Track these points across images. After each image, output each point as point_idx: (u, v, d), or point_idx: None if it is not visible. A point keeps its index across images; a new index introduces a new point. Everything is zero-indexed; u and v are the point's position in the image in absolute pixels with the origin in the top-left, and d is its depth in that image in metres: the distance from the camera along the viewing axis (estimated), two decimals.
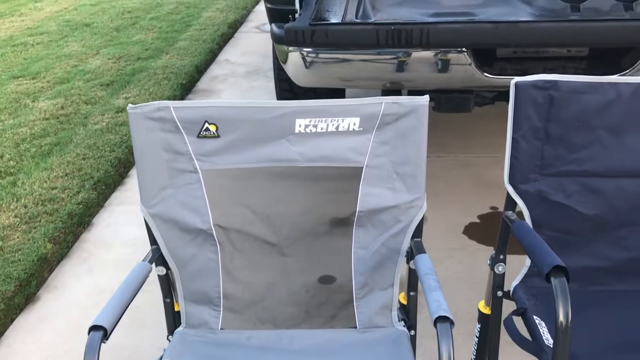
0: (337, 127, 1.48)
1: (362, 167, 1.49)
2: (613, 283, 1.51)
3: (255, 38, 5.57)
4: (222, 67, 4.85)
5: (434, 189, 2.92)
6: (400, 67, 2.15)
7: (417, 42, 1.86)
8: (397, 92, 2.68)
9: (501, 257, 1.52)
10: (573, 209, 1.46)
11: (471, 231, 2.61)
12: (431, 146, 3.36)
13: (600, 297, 1.49)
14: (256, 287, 1.59)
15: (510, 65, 2.28)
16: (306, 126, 1.47)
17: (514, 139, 1.41)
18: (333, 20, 1.94)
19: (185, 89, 4.28)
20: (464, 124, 3.59)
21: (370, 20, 1.92)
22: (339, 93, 3.15)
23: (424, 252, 1.46)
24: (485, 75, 2.15)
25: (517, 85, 1.38)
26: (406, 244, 1.52)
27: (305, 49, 2.18)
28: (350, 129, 1.48)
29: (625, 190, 1.44)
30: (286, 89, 3.11)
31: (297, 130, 1.47)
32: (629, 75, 2.04)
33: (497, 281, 1.55)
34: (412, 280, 1.52)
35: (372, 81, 2.38)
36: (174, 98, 4.06)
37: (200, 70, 4.68)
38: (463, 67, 2.11)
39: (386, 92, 2.61)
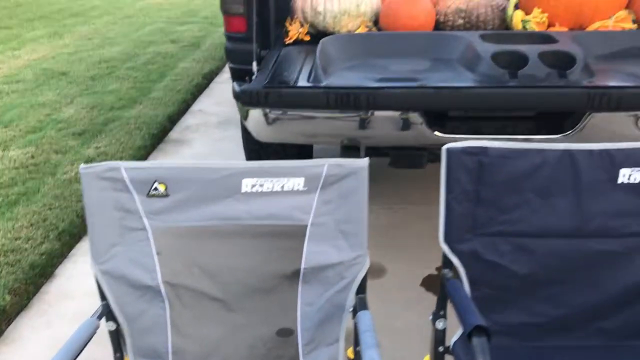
0: (282, 187, 1.54)
1: (307, 226, 1.55)
2: (548, 339, 1.57)
3: (230, 88, 5.68)
4: (195, 117, 4.94)
5: (394, 240, 2.99)
6: (357, 125, 2.24)
7: (364, 106, 1.96)
8: (356, 147, 2.78)
9: (441, 312, 1.58)
10: (507, 268, 1.53)
11: (429, 283, 2.67)
12: (394, 197, 3.45)
13: (537, 353, 1.55)
14: (205, 342, 1.63)
15: (462, 124, 2.38)
16: (252, 186, 1.54)
17: (447, 201, 1.49)
18: (288, 83, 2.03)
19: (156, 139, 4.34)
20: (427, 176, 3.69)
21: (321, 84, 2.01)
22: (306, 147, 3.24)
23: (366, 308, 1.52)
24: (436, 134, 2.24)
25: (448, 150, 1.46)
26: (351, 299, 1.57)
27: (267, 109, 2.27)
28: (295, 188, 1.55)
29: (554, 250, 1.52)
30: (253, 140, 3.19)
31: (243, 190, 1.54)
32: (570, 136, 2.14)
33: (438, 337, 1.60)
34: (358, 336, 1.57)
35: (330, 138, 2.47)
36: (145, 148, 4.11)
37: (173, 120, 4.76)
38: (415, 127, 2.20)
39: (345, 147, 2.71)
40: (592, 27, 2.43)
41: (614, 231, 1.50)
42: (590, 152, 1.49)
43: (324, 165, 1.54)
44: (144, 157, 4.05)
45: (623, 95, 1.91)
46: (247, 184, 1.53)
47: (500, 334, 1.57)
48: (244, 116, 2.42)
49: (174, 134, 4.56)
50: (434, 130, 2.24)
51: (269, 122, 2.32)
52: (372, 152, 2.65)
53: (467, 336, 1.20)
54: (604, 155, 1.48)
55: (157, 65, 6.17)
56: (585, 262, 1.52)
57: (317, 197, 1.55)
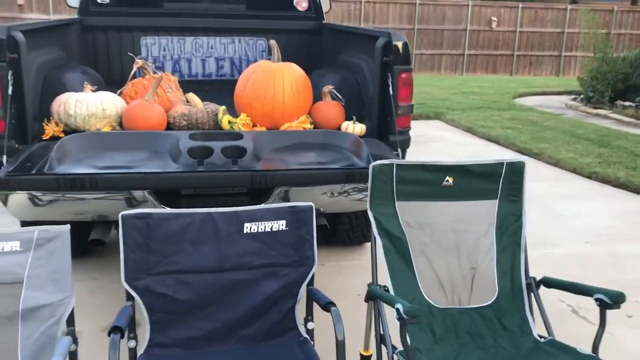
0: (2, 249, 2.09)
1: (24, 277, 2.10)
2: (208, 347, 2.22)
3: None
4: None
5: None
6: (95, 205, 2.83)
7: (88, 188, 2.58)
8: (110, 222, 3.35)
9: (131, 335, 2.18)
10: (173, 297, 2.18)
11: None
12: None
13: (200, 358, 2.19)
14: None
15: (192, 200, 3.06)
16: None
17: (124, 251, 2.13)
18: (28, 171, 2.60)
19: None
20: None
21: (54, 172, 2.61)
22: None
23: (72, 336, 2.08)
24: (164, 208, 2.90)
25: (122, 216, 2.12)
26: (61, 331, 2.12)
27: (23, 191, 2.78)
28: (13, 249, 2.10)
29: (204, 282, 2.21)
30: None
31: None
32: (269, 203, 2.90)
33: (130, 355, 2.19)
34: None
35: (80, 215, 3.02)
36: None
37: None
38: (146, 203, 2.84)
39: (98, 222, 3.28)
40: (282, 127, 3.30)
41: (244, 265, 2.23)
42: (224, 213, 2.23)
43: (34, 231, 2.11)
44: None
45: (275, 175, 2.73)
46: None
47: (174, 346, 2.20)
48: (4, 201, 2.90)
49: None
50: (162, 206, 2.89)
51: (30, 204, 2.82)
52: None
53: (107, 334, 1.82)
54: (233, 215, 2.23)
55: None
56: (227, 289, 2.23)
57: (32, 255, 2.11)
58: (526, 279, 2.44)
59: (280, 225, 2.24)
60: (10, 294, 2.09)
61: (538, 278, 2.42)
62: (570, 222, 5.17)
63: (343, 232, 4.15)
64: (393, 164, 2.38)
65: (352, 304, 3.45)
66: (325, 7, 5.49)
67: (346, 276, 3.99)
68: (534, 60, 20.69)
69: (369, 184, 2.36)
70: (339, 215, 4.03)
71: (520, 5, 20.21)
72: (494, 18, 19.98)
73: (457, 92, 13.44)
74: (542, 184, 6.41)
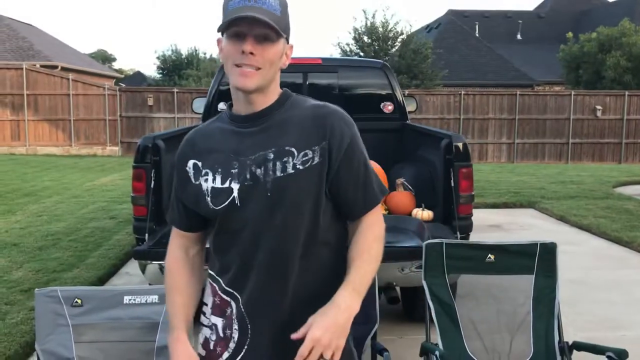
0: (146, 300, 2.86)
1: (159, 322, 2.84)
2: None
3: None
4: (121, 278, 6.18)
5: None
6: None
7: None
8: None
9: None
10: None
11: None
12: None
13: None
14: None
15: None
16: (130, 299, 2.84)
17: None
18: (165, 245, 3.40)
19: None
20: None
21: None
22: None
23: None
24: None
25: None
26: None
27: (155, 262, 3.61)
28: (154, 302, 2.86)
29: None
30: None
31: (125, 302, 2.84)
32: None
33: None
34: None
35: None
36: None
37: (103, 280, 5.99)
38: None
39: None
40: None
41: None
42: None
43: None
44: None
45: None
46: (127, 299, 2.84)
47: None
48: (142, 269, 3.75)
49: None
50: None
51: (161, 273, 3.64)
52: None
53: None
54: None
55: (95, 238, 7.49)
56: None
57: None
58: (559, 343, 2.86)
59: None
60: (148, 335, 2.83)
61: (570, 342, 2.85)
62: None
63: (420, 307, 4.64)
64: (443, 243, 2.96)
65: None
66: (411, 107, 6.25)
67: None
68: None
69: (423, 259, 2.94)
70: (417, 292, 4.55)
71: (627, 93, 20.06)
72: (598, 107, 19.90)
73: (554, 181, 13.56)
74: (628, 271, 6.54)
